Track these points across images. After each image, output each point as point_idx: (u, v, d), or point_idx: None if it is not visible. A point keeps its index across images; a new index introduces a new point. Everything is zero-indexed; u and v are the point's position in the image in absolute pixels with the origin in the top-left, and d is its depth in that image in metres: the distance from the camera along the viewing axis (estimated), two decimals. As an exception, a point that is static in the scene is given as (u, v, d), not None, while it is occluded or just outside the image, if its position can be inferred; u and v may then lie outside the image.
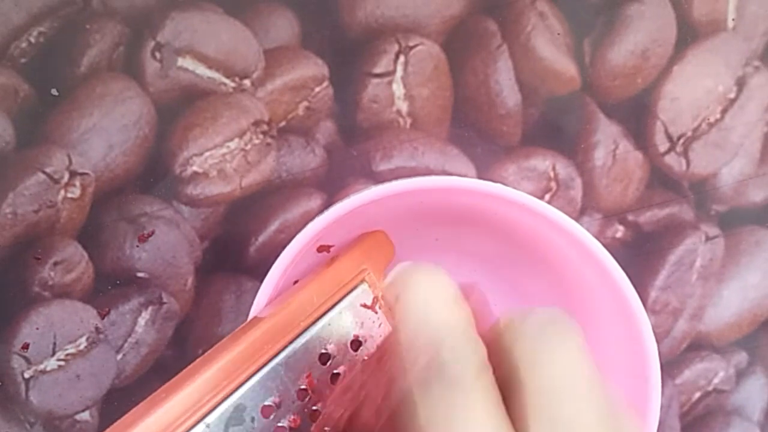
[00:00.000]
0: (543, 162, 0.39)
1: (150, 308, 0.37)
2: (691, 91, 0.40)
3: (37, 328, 0.36)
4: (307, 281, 0.28)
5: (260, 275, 0.26)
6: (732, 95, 0.40)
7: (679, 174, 0.40)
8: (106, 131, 0.36)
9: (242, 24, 0.37)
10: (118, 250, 0.37)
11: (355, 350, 0.28)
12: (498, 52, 0.39)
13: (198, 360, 0.25)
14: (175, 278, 0.37)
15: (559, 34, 0.39)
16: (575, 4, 0.39)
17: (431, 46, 0.38)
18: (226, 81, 0.37)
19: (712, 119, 0.40)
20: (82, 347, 0.36)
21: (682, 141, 0.40)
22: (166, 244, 0.37)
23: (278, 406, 0.25)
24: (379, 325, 0.30)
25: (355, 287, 0.29)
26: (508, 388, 0.18)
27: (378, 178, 0.39)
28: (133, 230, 0.37)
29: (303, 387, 0.26)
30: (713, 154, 0.41)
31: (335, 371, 0.27)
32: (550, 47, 0.39)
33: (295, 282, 0.31)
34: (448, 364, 0.18)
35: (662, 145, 0.40)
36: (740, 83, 0.40)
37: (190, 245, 0.37)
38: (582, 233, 0.29)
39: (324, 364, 0.27)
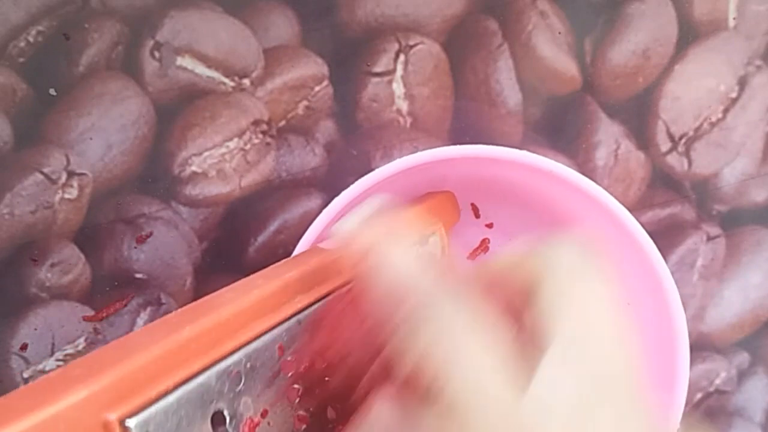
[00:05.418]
0: (544, 162, 0.39)
1: (148, 309, 0.37)
2: (692, 90, 0.40)
3: (35, 329, 0.36)
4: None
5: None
6: (734, 94, 0.40)
7: (681, 174, 0.40)
8: (105, 131, 0.36)
9: (242, 23, 0.37)
10: (116, 252, 0.36)
11: None
12: (498, 52, 0.39)
13: (261, 272, 0.23)
14: (174, 279, 0.37)
15: (560, 33, 0.39)
16: (576, 3, 0.39)
17: (431, 45, 0.38)
18: (226, 80, 0.37)
19: (713, 119, 0.40)
20: (80, 348, 0.36)
21: (683, 141, 0.40)
22: (165, 245, 0.37)
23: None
24: None
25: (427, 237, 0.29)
26: (532, 323, 0.18)
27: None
28: (131, 231, 0.37)
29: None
30: (715, 154, 0.40)
31: None
32: (551, 46, 0.39)
33: None
34: (431, 305, 0.18)
35: (664, 145, 0.40)
36: (742, 82, 0.40)
37: (188, 246, 0.37)
38: (617, 207, 0.30)
39: None
